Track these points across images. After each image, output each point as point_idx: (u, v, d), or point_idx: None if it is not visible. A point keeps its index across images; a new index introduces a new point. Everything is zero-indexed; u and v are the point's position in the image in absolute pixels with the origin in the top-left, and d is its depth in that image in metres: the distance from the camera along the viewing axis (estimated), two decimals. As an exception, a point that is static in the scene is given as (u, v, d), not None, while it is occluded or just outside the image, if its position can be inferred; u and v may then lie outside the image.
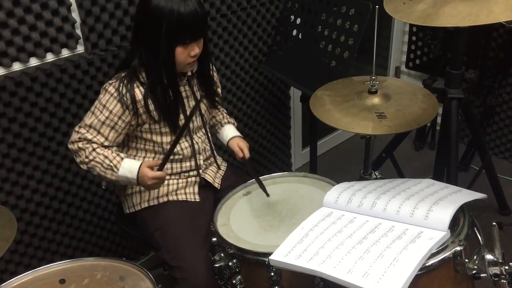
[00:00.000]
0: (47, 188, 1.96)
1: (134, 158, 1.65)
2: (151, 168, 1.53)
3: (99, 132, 1.54)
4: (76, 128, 1.56)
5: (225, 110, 1.91)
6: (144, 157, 1.66)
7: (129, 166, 1.53)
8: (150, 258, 2.43)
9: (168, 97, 1.56)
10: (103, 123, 1.53)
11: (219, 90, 1.80)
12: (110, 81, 1.55)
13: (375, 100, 1.65)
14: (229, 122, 1.87)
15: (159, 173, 1.52)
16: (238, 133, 1.84)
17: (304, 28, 2.09)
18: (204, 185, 1.76)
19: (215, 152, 1.83)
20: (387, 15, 1.38)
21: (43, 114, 1.84)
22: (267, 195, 1.66)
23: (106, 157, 1.53)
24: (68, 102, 1.89)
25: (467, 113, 2.20)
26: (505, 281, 1.17)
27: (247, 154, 1.77)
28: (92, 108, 1.55)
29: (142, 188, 1.68)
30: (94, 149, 1.54)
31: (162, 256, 1.63)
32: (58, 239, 2.08)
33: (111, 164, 1.53)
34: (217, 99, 1.78)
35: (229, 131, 1.84)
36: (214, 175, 1.79)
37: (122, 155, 1.57)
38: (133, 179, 1.53)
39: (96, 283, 1.36)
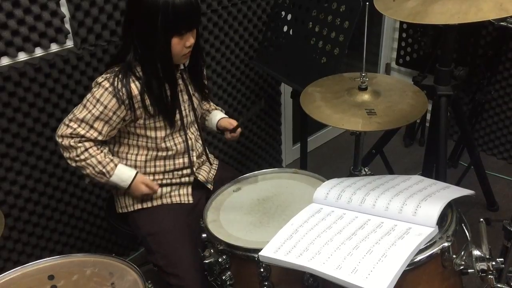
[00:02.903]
0: (36, 183, 1.94)
1: (126, 156, 1.64)
2: (146, 185, 1.60)
3: (92, 127, 1.51)
4: (66, 122, 1.52)
5: (211, 102, 1.91)
6: (137, 154, 1.64)
7: (121, 174, 1.57)
8: (140, 254, 2.42)
9: (164, 90, 1.55)
10: (97, 117, 1.50)
11: (205, 81, 1.80)
12: (104, 75, 1.52)
13: (365, 96, 1.65)
14: (216, 109, 1.88)
15: (151, 192, 1.62)
16: (226, 116, 1.85)
17: (295, 24, 2.09)
18: (197, 186, 1.75)
19: (207, 149, 1.83)
20: (378, 12, 1.38)
21: (32, 109, 1.82)
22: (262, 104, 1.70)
23: (99, 162, 1.53)
24: (57, 97, 1.88)
25: (456, 110, 2.22)
26: (492, 277, 1.19)
27: (236, 124, 1.76)
28: (84, 102, 1.51)
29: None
30: (86, 149, 1.52)
31: (155, 261, 1.62)
32: (47, 235, 2.06)
33: (104, 170, 1.54)
34: (206, 91, 1.78)
35: (217, 114, 1.84)
36: (207, 175, 1.78)
37: (115, 160, 1.57)
38: (123, 188, 1.59)
39: (85, 279, 1.35)
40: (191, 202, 1.71)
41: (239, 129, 1.76)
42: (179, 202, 1.70)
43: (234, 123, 1.76)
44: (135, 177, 1.59)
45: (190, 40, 1.52)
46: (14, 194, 1.90)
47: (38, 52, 1.79)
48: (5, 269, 1.69)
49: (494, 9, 1.07)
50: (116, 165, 1.56)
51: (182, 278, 1.55)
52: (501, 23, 2.05)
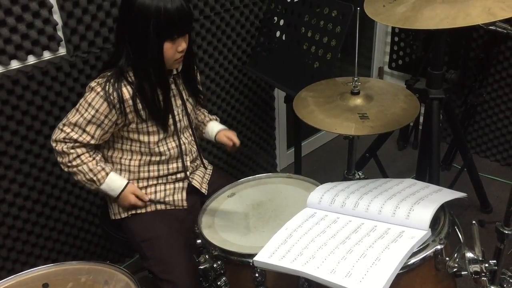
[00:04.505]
0: (29, 191, 1.94)
1: (120, 160, 1.65)
2: (136, 195, 1.62)
3: (84, 131, 1.52)
4: (60, 126, 1.54)
5: (205, 110, 1.92)
6: (130, 159, 1.65)
7: (112, 183, 1.59)
8: (135, 261, 2.42)
9: (157, 95, 1.56)
10: (89, 121, 1.51)
11: (199, 87, 1.81)
12: (96, 80, 1.53)
13: (358, 101, 1.66)
14: (211, 119, 1.89)
15: (140, 203, 1.63)
16: (223, 126, 1.86)
17: (287, 30, 2.11)
18: (191, 191, 1.75)
19: (201, 153, 1.83)
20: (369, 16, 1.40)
21: (25, 117, 1.82)
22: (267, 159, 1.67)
23: (90, 170, 1.55)
24: (50, 105, 1.88)
25: (448, 113, 2.23)
26: (485, 279, 1.20)
27: (237, 141, 1.80)
28: (77, 106, 1.53)
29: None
30: (78, 156, 1.53)
31: (149, 268, 1.62)
32: (41, 243, 2.06)
33: (94, 178, 1.55)
34: (201, 96, 1.79)
35: (214, 126, 1.85)
36: (201, 180, 1.79)
37: (107, 169, 1.58)
38: (113, 196, 1.61)
39: (80, 287, 1.35)
40: (185, 207, 1.71)
41: (237, 142, 1.80)
42: (173, 208, 1.70)
43: (232, 137, 1.79)
44: (125, 187, 1.60)
45: (182, 45, 1.53)
46: (8, 202, 1.89)
47: (31, 60, 1.79)
48: (-1, 277, 1.68)
49: (482, 14, 1.09)
50: (107, 174, 1.57)
51: (176, 284, 1.55)
52: (490, 27, 2.07)
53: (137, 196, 1.63)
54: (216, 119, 1.90)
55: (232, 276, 1.43)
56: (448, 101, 2.14)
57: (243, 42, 2.46)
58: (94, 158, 1.56)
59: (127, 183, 1.61)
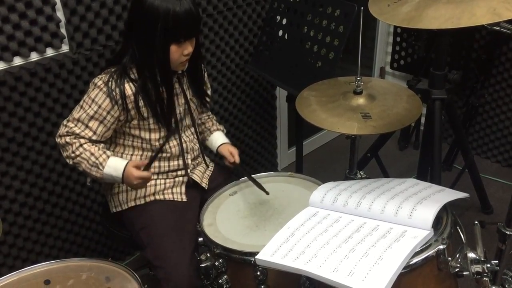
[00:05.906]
0: (31, 188, 1.94)
1: (122, 156, 1.66)
2: (137, 167, 1.53)
3: (87, 126, 1.54)
4: (64, 122, 1.56)
5: (214, 117, 1.92)
6: (132, 155, 1.66)
7: (114, 165, 1.54)
8: (136, 258, 2.42)
9: (161, 94, 1.57)
10: (92, 117, 1.53)
11: (209, 91, 1.81)
12: (100, 76, 1.55)
13: (360, 100, 1.66)
14: (218, 129, 1.89)
15: (145, 173, 1.53)
16: (227, 140, 1.87)
17: (290, 29, 2.10)
18: (192, 185, 1.76)
19: (203, 152, 1.83)
20: (372, 17, 1.40)
21: (27, 113, 1.82)
22: (267, 193, 1.67)
23: (92, 154, 1.53)
24: (53, 102, 1.88)
25: (450, 113, 2.23)
26: (487, 279, 1.20)
27: (237, 159, 1.79)
28: (81, 102, 1.55)
29: (129, 187, 1.67)
30: (81, 145, 1.54)
31: (146, 255, 1.63)
32: (42, 240, 2.06)
33: (97, 161, 1.53)
34: (207, 99, 1.79)
35: (219, 138, 1.86)
36: (201, 175, 1.79)
37: (108, 153, 1.57)
38: (118, 177, 1.53)
39: (81, 284, 1.35)
40: (184, 200, 1.72)
41: (238, 160, 1.79)
42: (172, 199, 1.71)
43: (234, 154, 1.79)
44: (127, 164, 1.54)
45: (188, 49, 1.53)
46: (9, 199, 1.89)
47: (34, 56, 1.79)
48: (0, 274, 1.68)
49: (487, 14, 1.08)
50: (108, 157, 1.55)
51: (168, 270, 1.54)
52: (495, 27, 2.06)
53: (139, 166, 1.55)
54: (223, 130, 1.91)
55: (234, 274, 1.43)
56: (450, 102, 2.14)
57: (246, 41, 2.46)
58: (96, 145, 1.56)
59: (129, 161, 1.55)
